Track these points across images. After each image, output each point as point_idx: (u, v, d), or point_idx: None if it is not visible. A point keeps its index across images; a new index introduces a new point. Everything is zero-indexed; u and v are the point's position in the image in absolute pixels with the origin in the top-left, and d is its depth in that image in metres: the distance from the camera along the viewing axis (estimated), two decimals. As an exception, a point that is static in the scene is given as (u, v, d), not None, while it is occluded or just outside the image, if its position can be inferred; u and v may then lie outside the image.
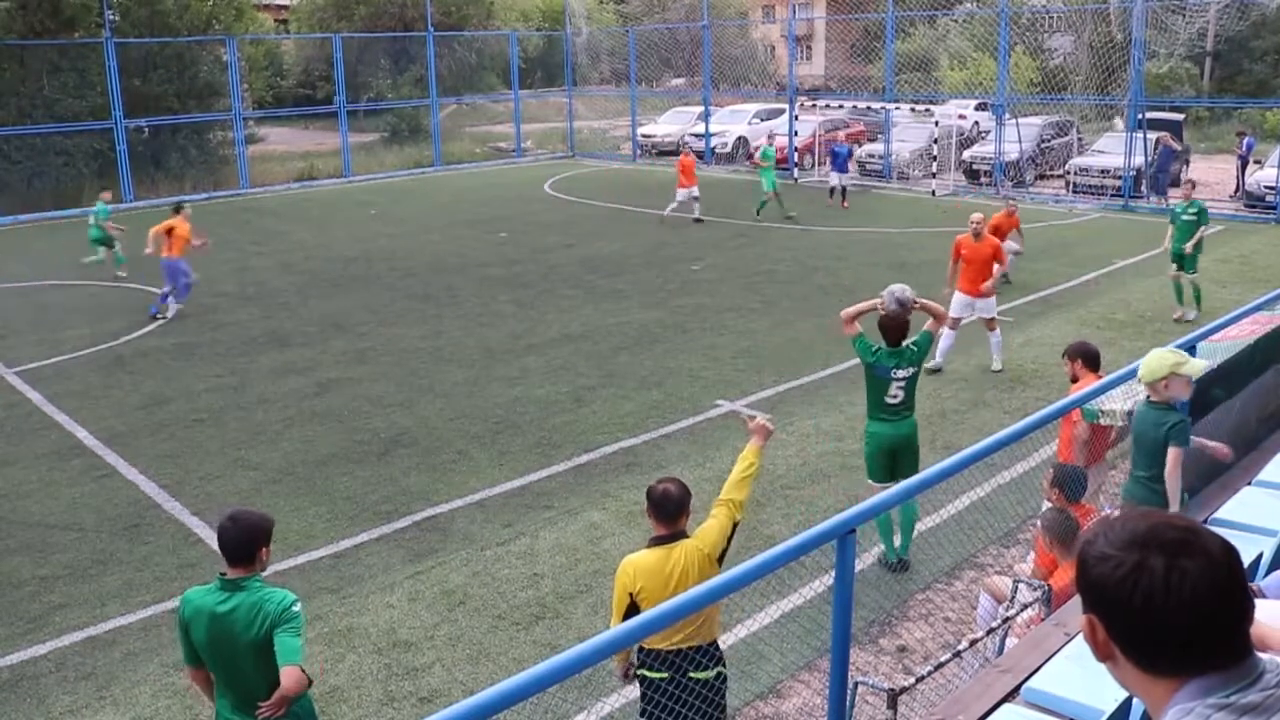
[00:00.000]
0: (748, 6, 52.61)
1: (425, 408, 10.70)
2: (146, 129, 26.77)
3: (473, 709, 2.44)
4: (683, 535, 4.66)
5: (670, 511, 4.63)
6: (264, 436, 10.02)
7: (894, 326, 7.22)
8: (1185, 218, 13.48)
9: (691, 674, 4.63)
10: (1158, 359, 5.35)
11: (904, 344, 7.23)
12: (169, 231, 14.39)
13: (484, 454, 9.45)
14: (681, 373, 11.60)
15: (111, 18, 25.26)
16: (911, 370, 7.19)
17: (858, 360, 11.78)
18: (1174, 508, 5.33)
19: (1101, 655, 1.61)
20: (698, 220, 20.91)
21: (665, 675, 4.64)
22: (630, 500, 8.41)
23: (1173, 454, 5.32)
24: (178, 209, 14.97)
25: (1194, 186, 14.46)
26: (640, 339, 12.96)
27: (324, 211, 24.04)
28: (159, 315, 14.53)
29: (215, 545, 4.54)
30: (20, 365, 12.48)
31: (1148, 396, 5.49)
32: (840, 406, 10.43)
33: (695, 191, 20.93)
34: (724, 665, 4.81)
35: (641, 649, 4.69)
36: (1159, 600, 1.49)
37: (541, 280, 16.29)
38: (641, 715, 4.82)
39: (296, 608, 4.08)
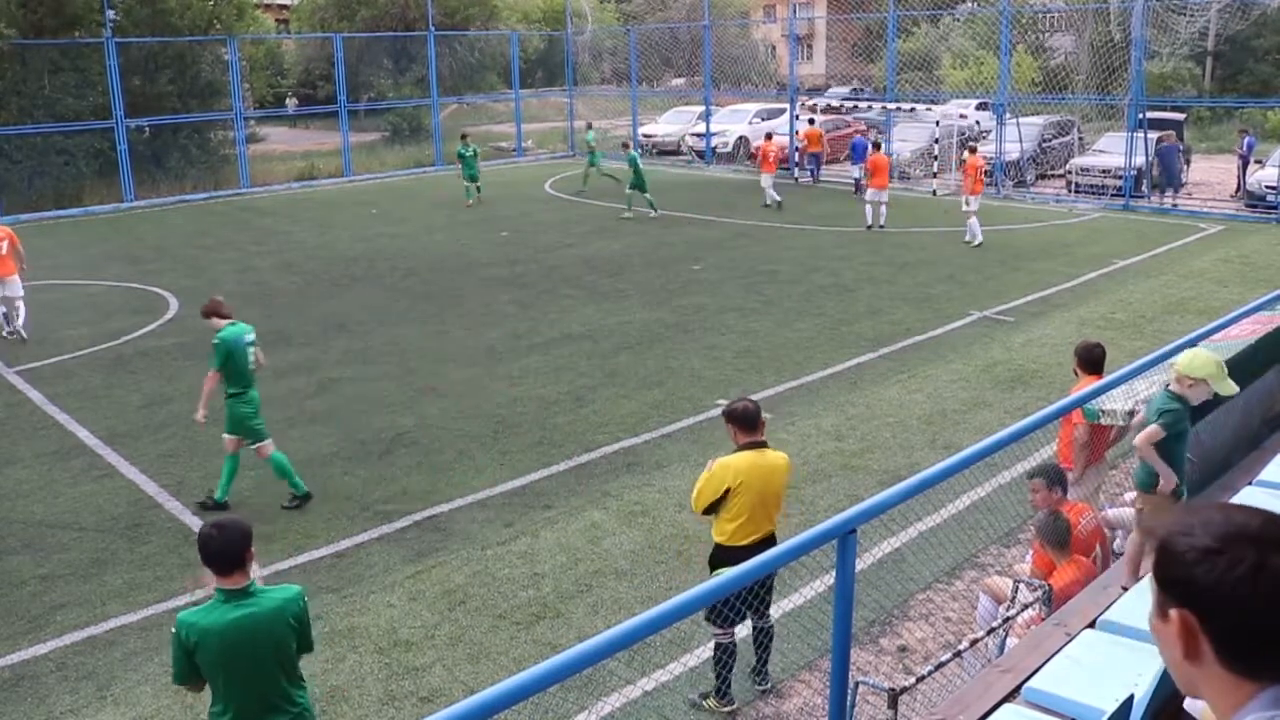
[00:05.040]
0: (749, 6, 52.62)
1: (426, 407, 10.70)
2: (147, 128, 26.80)
3: (473, 708, 2.44)
4: (765, 444, 5.63)
5: (753, 421, 5.60)
6: (265, 436, 10.02)
7: (215, 309, 8.37)
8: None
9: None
10: (1202, 360, 5.30)
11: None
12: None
13: (485, 454, 9.46)
14: (682, 372, 11.60)
15: (113, 17, 25.26)
16: (254, 335, 8.44)
17: (859, 360, 11.95)
18: (1167, 484, 5.31)
19: (1187, 654, 1.49)
20: (877, 228, 19.77)
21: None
22: (631, 500, 8.42)
23: (1147, 431, 5.30)
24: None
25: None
26: (641, 339, 12.96)
27: (325, 211, 24.04)
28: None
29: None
30: (21, 365, 12.48)
31: (1168, 384, 5.45)
32: (841, 406, 10.43)
33: (884, 196, 19.80)
34: None
35: (719, 546, 5.62)
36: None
37: (543, 280, 16.28)
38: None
39: (306, 596, 4.39)
